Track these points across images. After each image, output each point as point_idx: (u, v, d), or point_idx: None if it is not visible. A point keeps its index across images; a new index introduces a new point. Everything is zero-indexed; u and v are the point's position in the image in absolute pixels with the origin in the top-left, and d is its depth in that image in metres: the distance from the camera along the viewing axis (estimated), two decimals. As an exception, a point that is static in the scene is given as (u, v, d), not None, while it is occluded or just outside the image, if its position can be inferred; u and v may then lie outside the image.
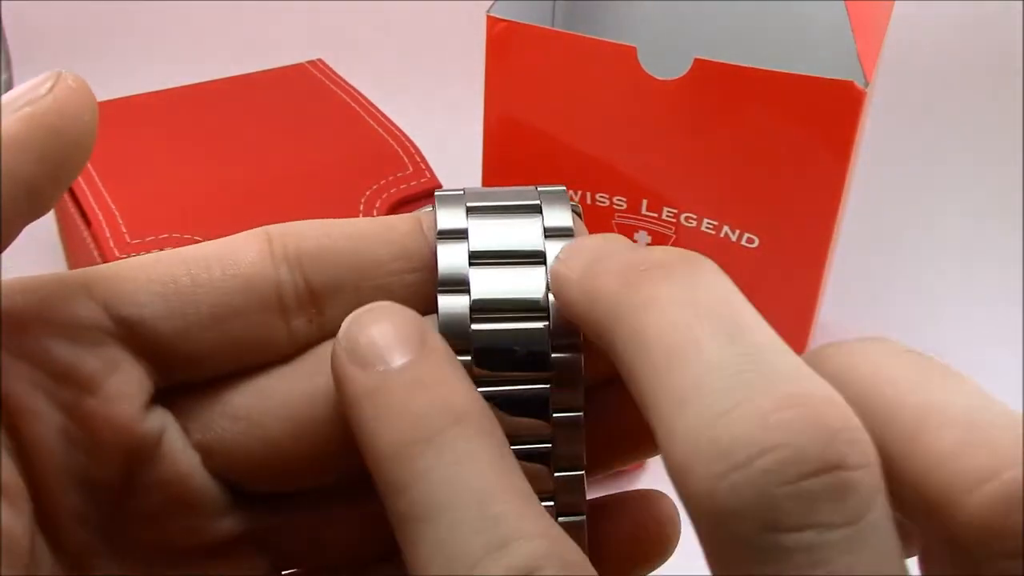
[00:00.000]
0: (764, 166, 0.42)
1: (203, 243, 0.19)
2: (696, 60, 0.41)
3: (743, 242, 0.44)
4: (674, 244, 0.46)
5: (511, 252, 0.19)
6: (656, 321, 0.15)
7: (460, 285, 0.18)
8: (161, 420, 0.19)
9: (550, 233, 0.19)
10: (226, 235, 0.19)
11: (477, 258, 0.19)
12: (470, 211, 0.19)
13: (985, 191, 0.68)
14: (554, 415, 0.18)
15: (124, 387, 0.18)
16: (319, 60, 0.60)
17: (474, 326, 0.18)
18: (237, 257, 0.19)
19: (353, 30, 0.80)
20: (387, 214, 0.48)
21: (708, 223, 0.44)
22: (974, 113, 0.74)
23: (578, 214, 0.20)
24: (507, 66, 0.44)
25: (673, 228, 0.45)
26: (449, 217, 0.19)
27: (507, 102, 0.45)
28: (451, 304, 0.18)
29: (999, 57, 0.76)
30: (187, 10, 0.81)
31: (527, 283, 0.19)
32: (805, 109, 0.40)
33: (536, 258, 0.19)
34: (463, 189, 0.20)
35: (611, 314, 0.16)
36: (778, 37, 0.52)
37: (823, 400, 0.14)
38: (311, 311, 0.19)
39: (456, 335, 0.18)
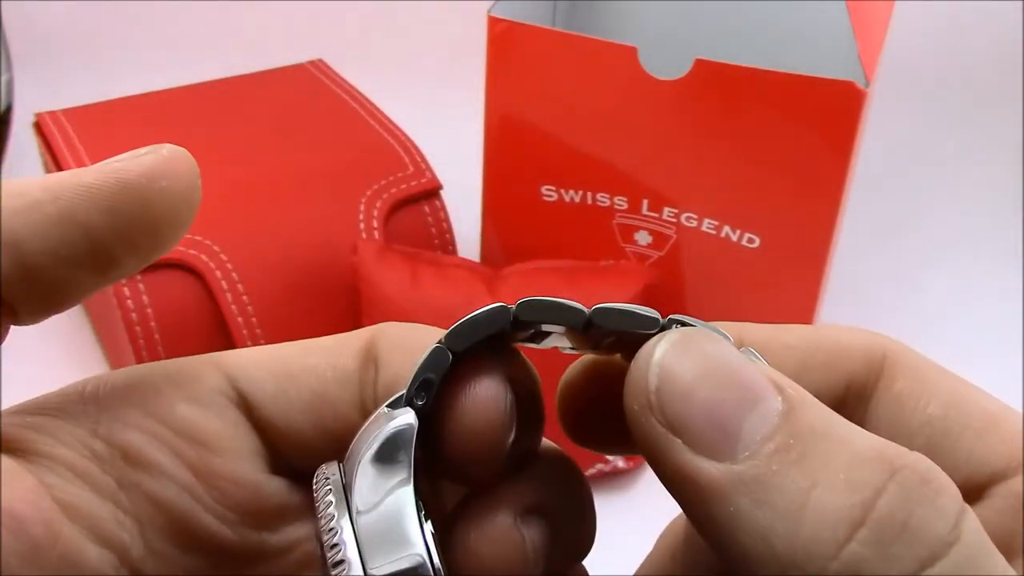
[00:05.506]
0: (764, 166, 0.42)
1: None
2: (696, 60, 0.41)
3: (743, 242, 0.44)
4: (675, 244, 0.46)
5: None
6: None
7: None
8: (288, 490, 0.19)
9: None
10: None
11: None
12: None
13: (984, 191, 0.68)
14: None
15: (246, 449, 0.18)
16: (319, 60, 0.60)
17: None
18: (343, 353, 0.19)
19: (353, 30, 0.80)
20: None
21: (709, 223, 0.44)
22: (974, 113, 0.75)
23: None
24: (508, 66, 0.44)
25: (674, 228, 0.45)
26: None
27: (507, 102, 0.45)
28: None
29: (999, 57, 0.76)
30: (187, 10, 0.81)
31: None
32: (805, 109, 0.40)
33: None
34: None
35: None
36: (778, 37, 0.52)
37: None
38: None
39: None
